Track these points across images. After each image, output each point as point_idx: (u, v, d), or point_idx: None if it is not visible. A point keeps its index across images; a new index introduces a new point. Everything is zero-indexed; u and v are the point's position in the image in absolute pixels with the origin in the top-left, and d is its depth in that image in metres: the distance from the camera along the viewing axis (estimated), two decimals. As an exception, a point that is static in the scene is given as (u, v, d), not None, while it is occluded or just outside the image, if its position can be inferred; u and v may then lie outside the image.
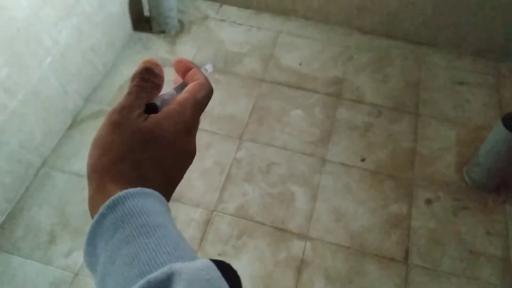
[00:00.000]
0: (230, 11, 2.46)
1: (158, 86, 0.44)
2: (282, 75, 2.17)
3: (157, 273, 0.30)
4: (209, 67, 0.51)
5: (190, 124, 0.42)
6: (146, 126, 0.39)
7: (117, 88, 2.07)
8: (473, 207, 1.77)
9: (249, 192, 1.77)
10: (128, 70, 2.14)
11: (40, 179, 1.76)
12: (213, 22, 2.40)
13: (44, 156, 1.81)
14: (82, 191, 1.74)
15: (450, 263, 1.63)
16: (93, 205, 0.37)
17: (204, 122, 1.97)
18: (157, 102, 0.42)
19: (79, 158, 1.83)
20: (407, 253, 1.65)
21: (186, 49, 2.25)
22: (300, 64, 2.22)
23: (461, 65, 2.27)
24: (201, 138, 1.91)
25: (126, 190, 0.35)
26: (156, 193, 0.37)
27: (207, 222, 1.69)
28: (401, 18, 2.28)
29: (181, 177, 0.43)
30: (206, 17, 2.42)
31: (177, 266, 0.30)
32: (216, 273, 0.30)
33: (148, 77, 0.44)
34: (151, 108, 0.41)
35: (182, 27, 2.36)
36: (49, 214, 1.68)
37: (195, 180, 1.79)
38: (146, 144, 0.39)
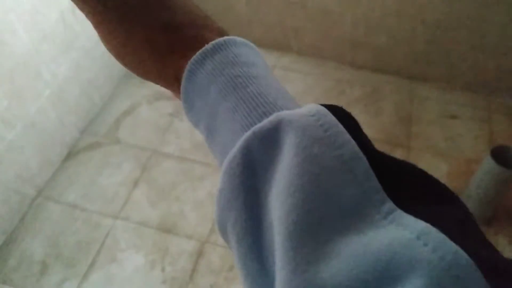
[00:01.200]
0: (227, 46, 2.53)
1: None
2: (276, 109, 2.21)
3: (263, 123, 0.28)
4: None
5: None
6: None
7: (113, 120, 2.11)
8: (465, 240, 1.77)
9: (241, 224, 1.78)
10: (125, 103, 2.19)
11: (34, 209, 1.78)
12: (209, 57, 2.46)
13: (40, 187, 1.83)
14: (75, 221, 1.75)
15: (442, 296, 1.62)
16: (163, 64, 0.34)
17: (198, 153, 2.00)
18: None
19: (74, 189, 1.85)
20: (399, 285, 1.64)
21: (183, 83, 2.30)
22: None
23: (452, 99, 2.31)
24: (194, 170, 1.94)
25: (212, 42, 0.33)
26: (239, 39, 0.34)
27: (199, 253, 1.69)
28: (393, 54, 2.34)
29: None
30: (203, 52, 2.49)
31: (284, 114, 0.28)
32: (330, 117, 0.27)
33: None
34: None
35: (179, 62, 2.42)
36: (42, 244, 1.69)
37: (188, 212, 1.80)
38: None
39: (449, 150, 2.08)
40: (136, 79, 2.30)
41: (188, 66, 0.32)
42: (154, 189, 1.87)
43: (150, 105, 2.19)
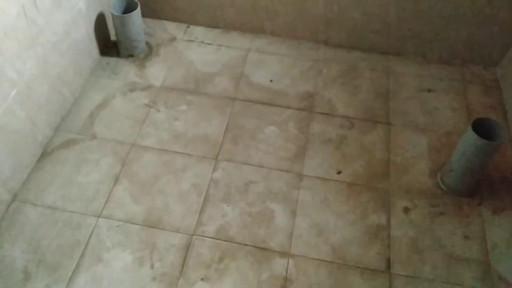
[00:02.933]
0: (198, 31, 2.46)
1: None
2: (254, 93, 2.17)
3: None
4: None
5: None
6: None
7: (87, 115, 2.03)
8: (450, 212, 1.80)
9: (228, 213, 1.76)
10: (98, 97, 2.10)
11: (11, 214, 1.70)
12: (181, 43, 2.39)
13: (15, 190, 1.75)
14: (56, 224, 1.69)
15: (432, 270, 1.64)
16: None
17: (178, 144, 1.95)
18: None
19: (52, 190, 1.78)
20: (389, 263, 1.65)
21: (156, 71, 2.23)
22: (271, 80, 2.23)
23: (427, 73, 2.32)
24: (176, 161, 1.89)
25: None
26: None
27: (188, 246, 1.66)
28: (367, 30, 2.32)
29: None
30: (174, 39, 2.41)
31: None
32: None
33: None
34: None
35: (150, 50, 2.34)
36: (22, 250, 1.62)
37: (172, 205, 1.76)
38: None
39: (428, 124, 2.09)
40: (108, 71, 2.22)
41: None
42: (136, 184, 1.82)
43: (125, 97, 2.11)
